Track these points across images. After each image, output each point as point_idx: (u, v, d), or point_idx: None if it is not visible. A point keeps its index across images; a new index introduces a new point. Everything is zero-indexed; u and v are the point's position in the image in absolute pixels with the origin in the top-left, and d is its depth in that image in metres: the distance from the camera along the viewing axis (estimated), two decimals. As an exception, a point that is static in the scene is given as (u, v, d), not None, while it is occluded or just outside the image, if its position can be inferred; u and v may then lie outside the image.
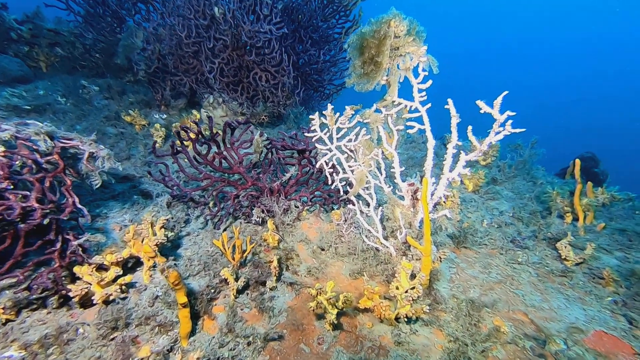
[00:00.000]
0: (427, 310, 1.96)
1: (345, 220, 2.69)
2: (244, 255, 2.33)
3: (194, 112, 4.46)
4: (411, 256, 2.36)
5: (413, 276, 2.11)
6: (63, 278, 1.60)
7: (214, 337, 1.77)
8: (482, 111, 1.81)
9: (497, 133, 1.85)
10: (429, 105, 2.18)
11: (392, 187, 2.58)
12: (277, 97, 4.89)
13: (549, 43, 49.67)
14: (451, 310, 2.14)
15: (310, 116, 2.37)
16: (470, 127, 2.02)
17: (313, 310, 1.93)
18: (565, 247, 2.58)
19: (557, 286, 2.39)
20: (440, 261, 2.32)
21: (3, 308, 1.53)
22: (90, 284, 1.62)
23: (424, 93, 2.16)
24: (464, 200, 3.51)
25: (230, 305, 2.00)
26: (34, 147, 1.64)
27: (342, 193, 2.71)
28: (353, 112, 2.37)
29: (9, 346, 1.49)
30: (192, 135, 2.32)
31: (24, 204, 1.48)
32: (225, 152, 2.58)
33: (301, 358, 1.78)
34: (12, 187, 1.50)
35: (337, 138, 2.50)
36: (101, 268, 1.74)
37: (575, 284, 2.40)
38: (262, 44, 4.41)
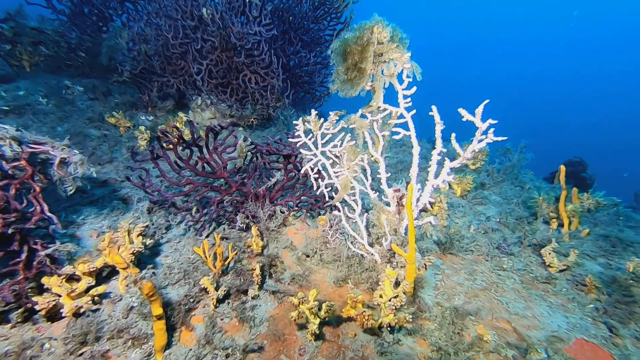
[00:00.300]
0: (410, 320, 1.93)
1: (331, 227, 2.66)
2: (226, 263, 2.28)
3: (180, 114, 4.39)
4: (396, 263, 2.34)
5: (398, 284, 2.09)
6: (29, 290, 1.53)
7: (190, 350, 1.72)
8: (464, 119, 1.80)
9: (480, 141, 1.84)
10: (414, 111, 2.17)
11: (378, 193, 2.56)
12: (266, 100, 4.84)
13: (546, 40, 50.28)
14: (435, 318, 2.12)
15: (295, 121, 2.34)
16: (453, 135, 2.01)
17: (295, 320, 1.89)
18: (550, 253, 2.59)
19: (540, 293, 2.39)
20: (426, 268, 2.30)
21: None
22: (60, 296, 1.56)
23: (409, 99, 2.14)
24: (452, 206, 3.51)
25: (210, 316, 1.95)
26: None
27: (327, 199, 2.67)
28: (337, 118, 2.34)
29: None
30: (174, 140, 2.26)
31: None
32: (208, 157, 2.53)
33: (281, 370, 1.74)
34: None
35: (322, 144, 2.47)
36: (73, 278, 1.68)
37: (558, 290, 2.40)
38: (251, 45, 4.36)
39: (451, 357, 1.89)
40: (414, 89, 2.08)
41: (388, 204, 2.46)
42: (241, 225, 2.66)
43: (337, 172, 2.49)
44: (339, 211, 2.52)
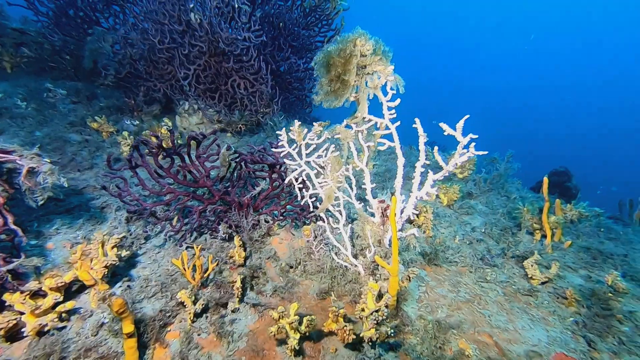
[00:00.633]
0: (392, 334, 1.90)
1: (316, 237, 2.63)
2: (206, 275, 2.22)
3: (166, 119, 4.31)
4: (379, 275, 2.31)
5: (381, 296, 2.06)
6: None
7: (163, 368, 1.65)
8: (445, 133, 1.80)
9: (462, 155, 1.84)
10: (399, 123, 2.17)
11: (363, 203, 2.54)
12: (255, 106, 4.81)
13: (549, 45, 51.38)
14: (417, 332, 2.10)
15: (277, 132, 2.31)
16: (436, 148, 2.01)
17: (274, 335, 1.84)
18: (532, 265, 2.61)
19: (522, 306, 2.40)
20: (409, 280, 2.28)
21: None
22: (23, 314, 1.48)
23: (393, 111, 2.14)
24: (438, 215, 3.52)
25: (186, 331, 1.89)
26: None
27: (312, 209, 2.64)
28: (321, 129, 2.32)
29: None
30: (154, 150, 2.20)
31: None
32: (190, 165, 2.48)
33: (257, 389, 1.69)
34: None
35: (306, 154, 2.44)
36: (39, 294, 1.60)
37: (540, 303, 2.41)
38: (240, 51, 4.33)
39: (433, 372, 1.86)
40: (398, 100, 2.08)
41: (373, 215, 2.44)
42: (224, 235, 2.60)
43: (322, 183, 2.47)
44: (324, 221, 2.49)
